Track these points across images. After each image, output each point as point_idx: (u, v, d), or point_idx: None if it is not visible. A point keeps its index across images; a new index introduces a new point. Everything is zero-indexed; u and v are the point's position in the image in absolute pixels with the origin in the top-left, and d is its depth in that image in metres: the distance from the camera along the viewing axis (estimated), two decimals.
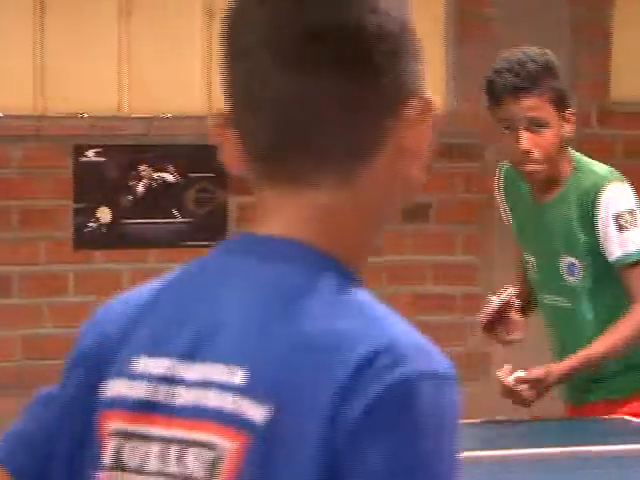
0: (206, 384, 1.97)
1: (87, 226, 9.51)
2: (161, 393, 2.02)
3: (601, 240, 5.49)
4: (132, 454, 2.03)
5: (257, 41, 2.01)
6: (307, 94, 2.00)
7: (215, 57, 9.17)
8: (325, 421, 1.88)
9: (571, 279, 5.60)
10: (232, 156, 2.05)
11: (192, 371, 1.99)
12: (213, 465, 1.95)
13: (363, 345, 1.89)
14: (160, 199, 9.66)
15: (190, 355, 1.99)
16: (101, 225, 9.57)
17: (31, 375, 9.43)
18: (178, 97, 9.68)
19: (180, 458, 1.98)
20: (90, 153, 9.42)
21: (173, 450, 1.99)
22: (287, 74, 1.99)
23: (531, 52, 5.55)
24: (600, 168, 5.70)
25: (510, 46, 5.91)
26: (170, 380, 2.02)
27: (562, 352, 5.63)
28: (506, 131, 5.44)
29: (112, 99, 9.64)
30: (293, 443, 1.91)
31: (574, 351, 5.52)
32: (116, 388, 2.05)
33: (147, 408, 2.02)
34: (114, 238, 9.64)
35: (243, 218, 9.69)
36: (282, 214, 2.04)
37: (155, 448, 2.01)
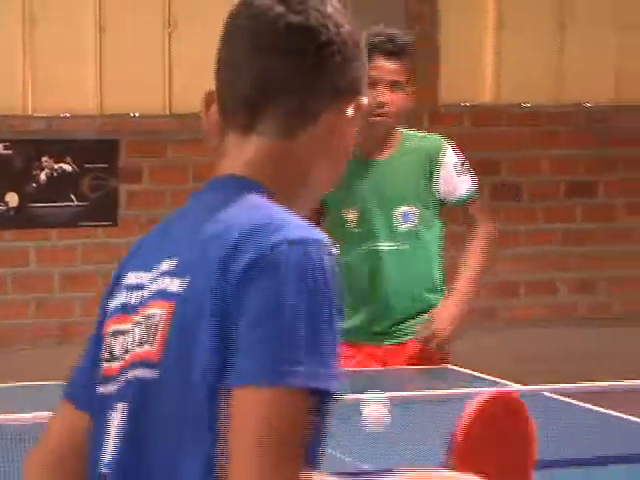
0: (156, 278, 2.29)
1: None
2: (133, 297, 2.33)
3: (442, 187, 5.78)
4: (118, 346, 2.33)
5: (243, 37, 2.35)
6: (271, 71, 2.32)
7: (106, 63, 9.83)
8: (218, 277, 2.16)
9: (404, 225, 5.78)
10: (211, 122, 2.40)
11: (150, 274, 2.31)
12: (154, 330, 2.24)
13: (248, 223, 2.18)
14: (60, 186, 9.68)
15: (152, 266, 2.31)
16: (9, 208, 9.62)
17: None
18: (75, 98, 9.70)
19: (134, 332, 2.29)
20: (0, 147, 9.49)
21: (135, 330, 2.30)
22: (261, 56, 2.33)
23: (399, 31, 5.93)
24: (431, 135, 6.06)
25: None
26: (140, 286, 2.32)
27: (385, 293, 5.71)
28: (370, 85, 5.80)
29: (18, 100, 9.66)
30: (199, 298, 2.19)
31: (403, 287, 5.77)
32: (115, 301, 2.38)
33: (125, 310, 2.34)
34: (21, 220, 9.68)
35: (131, 202, 9.79)
36: (237, 155, 2.35)
37: (127, 336, 2.32)
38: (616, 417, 4.75)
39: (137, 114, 9.85)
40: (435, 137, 5.96)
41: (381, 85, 5.59)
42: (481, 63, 10.60)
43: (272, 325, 2.11)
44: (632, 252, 10.67)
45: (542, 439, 3.73)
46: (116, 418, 2.29)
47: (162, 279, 2.26)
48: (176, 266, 2.24)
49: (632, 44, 10.74)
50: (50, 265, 9.74)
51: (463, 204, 5.87)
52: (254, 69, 2.33)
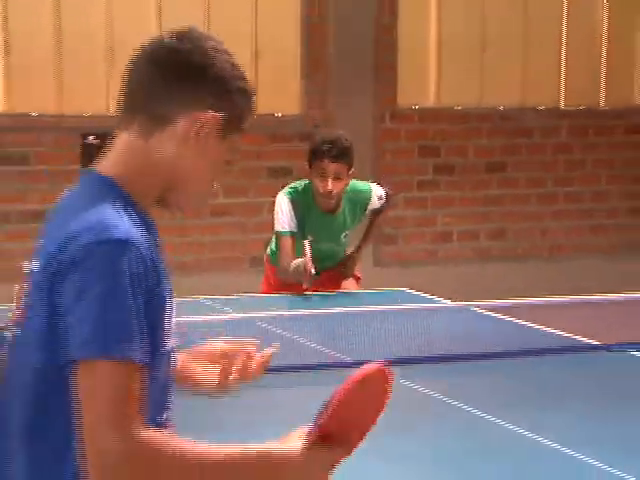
0: (34, 256, 2.11)
1: None
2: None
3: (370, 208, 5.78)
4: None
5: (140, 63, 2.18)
6: (142, 82, 2.15)
7: None
8: (51, 266, 2.01)
9: (344, 240, 5.75)
10: None
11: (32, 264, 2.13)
12: (19, 296, 2.15)
13: (76, 226, 1.99)
14: None
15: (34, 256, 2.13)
16: None
17: None
18: None
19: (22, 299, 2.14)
20: None
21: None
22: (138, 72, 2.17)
23: (343, 134, 5.61)
24: (361, 185, 5.78)
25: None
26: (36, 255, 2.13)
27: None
28: (318, 177, 5.44)
29: (102, 103, 9.22)
30: (41, 278, 2.04)
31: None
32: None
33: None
34: None
35: None
36: (109, 154, 2.12)
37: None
38: (521, 325, 4.62)
39: None
40: (365, 188, 5.79)
41: (328, 178, 5.40)
42: (427, 76, 10.42)
43: (79, 311, 1.94)
44: (530, 211, 10.83)
45: (452, 340, 4.19)
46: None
47: (34, 258, 2.11)
48: (37, 250, 2.10)
49: (535, 60, 10.65)
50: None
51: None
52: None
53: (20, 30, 9.33)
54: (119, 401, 1.90)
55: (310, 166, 5.50)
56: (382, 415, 2.50)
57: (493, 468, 2.97)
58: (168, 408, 2.13)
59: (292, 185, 5.67)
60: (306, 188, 5.59)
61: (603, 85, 11.00)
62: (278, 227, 5.59)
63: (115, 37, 9.53)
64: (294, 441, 2.03)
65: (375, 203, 5.79)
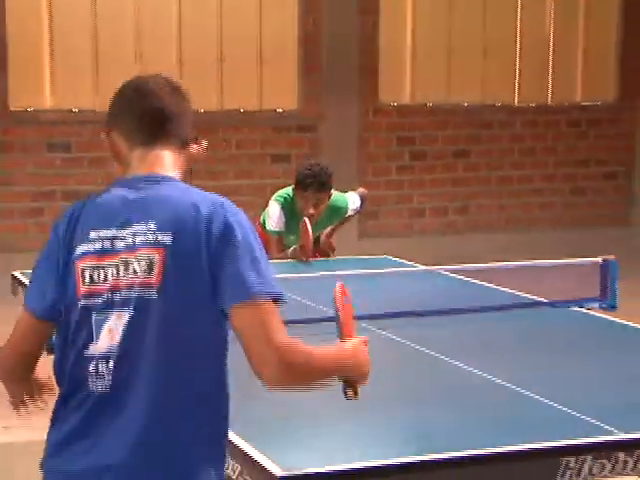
0: (135, 234, 2.12)
1: None
2: (108, 244, 2.14)
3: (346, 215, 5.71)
4: (98, 275, 2.13)
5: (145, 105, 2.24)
6: (176, 111, 2.25)
7: None
8: (204, 239, 2.07)
9: (320, 234, 5.70)
10: (117, 145, 2.25)
11: (127, 230, 2.13)
12: (150, 266, 2.09)
13: (208, 204, 2.11)
14: None
15: (124, 225, 2.14)
16: None
17: None
18: None
19: (127, 268, 2.11)
20: None
21: (121, 267, 2.12)
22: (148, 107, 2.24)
23: (324, 168, 5.49)
24: (340, 201, 5.66)
25: None
26: (114, 237, 2.14)
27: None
28: (302, 201, 5.40)
29: None
30: (189, 248, 2.08)
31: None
32: (80, 248, 2.16)
33: (102, 253, 2.14)
34: None
35: None
36: (150, 162, 2.22)
37: (110, 270, 2.13)
38: (481, 285, 4.58)
39: None
40: (343, 205, 5.69)
41: (310, 203, 5.39)
42: (403, 77, 10.37)
43: (247, 261, 2.06)
44: (489, 190, 10.74)
45: (423, 298, 4.14)
46: (112, 322, 2.09)
47: (146, 234, 2.11)
48: (157, 226, 2.09)
49: (493, 64, 10.62)
50: None
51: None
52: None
53: (62, 39, 9.31)
54: (283, 327, 2.06)
55: (296, 189, 5.47)
56: None
57: (450, 403, 2.96)
58: None
59: (282, 193, 5.61)
60: (293, 197, 5.55)
61: (550, 86, 10.99)
62: (269, 226, 5.56)
63: (143, 43, 9.53)
64: (342, 345, 2.26)
65: (351, 212, 5.74)
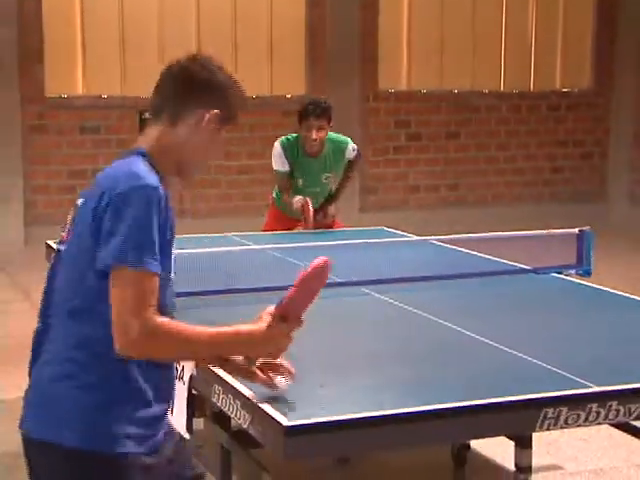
0: (89, 199, 2.13)
1: None
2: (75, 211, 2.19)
3: (345, 160, 5.52)
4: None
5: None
6: (167, 90, 2.22)
7: None
8: (96, 206, 2.06)
9: (324, 180, 5.54)
10: None
11: (90, 192, 2.15)
12: (70, 223, 2.17)
13: (115, 174, 2.09)
14: None
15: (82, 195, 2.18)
16: None
17: None
18: None
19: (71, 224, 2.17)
20: None
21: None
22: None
23: (323, 98, 5.65)
24: (341, 137, 5.57)
25: None
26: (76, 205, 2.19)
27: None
28: (306, 130, 5.35)
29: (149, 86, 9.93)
30: (86, 214, 2.09)
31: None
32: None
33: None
34: None
35: None
36: (144, 137, 2.22)
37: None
38: (470, 254, 4.54)
39: None
40: (344, 139, 5.60)
41: (313, 129, 5.32)
42: (400, 66, 10.35)
43: (115, 231, 2.01)
44: (478, 169, 10.77)
45: (418, 265, 4.08)
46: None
47: (83, 199, 2.15)
48: (88, 191, 2.15)
49: (481, 55, 10.57)
50: None
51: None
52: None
53: (93, 33, 9.33)
54: (142, 296, 2.01)
55: (300, 123, 5.40)
56: (360, 321, 2.50)
57: (441, 360, 2.94)
58: (173, 307, 2.20)
59: (284, 136, 5.56)
60: (295, 138, 5.49)
61: (532, 74, 10.97)
62: (275, 167, 5.52)
63: (165, 36, 9.55)
64: (260, 321, 2.16)
65: (351, 152, 5.60)
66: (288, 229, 5.54)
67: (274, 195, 5.76)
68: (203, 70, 2.22)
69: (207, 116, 2.20)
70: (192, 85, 2.21)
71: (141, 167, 2.08)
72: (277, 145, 5.53)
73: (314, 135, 5.36)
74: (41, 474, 2.13)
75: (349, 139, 5.67)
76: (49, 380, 2.12)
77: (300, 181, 5.52)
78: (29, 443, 2.14)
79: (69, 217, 2.20)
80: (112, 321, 2.00)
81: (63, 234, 2.19)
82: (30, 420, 2.15)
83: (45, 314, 2.19)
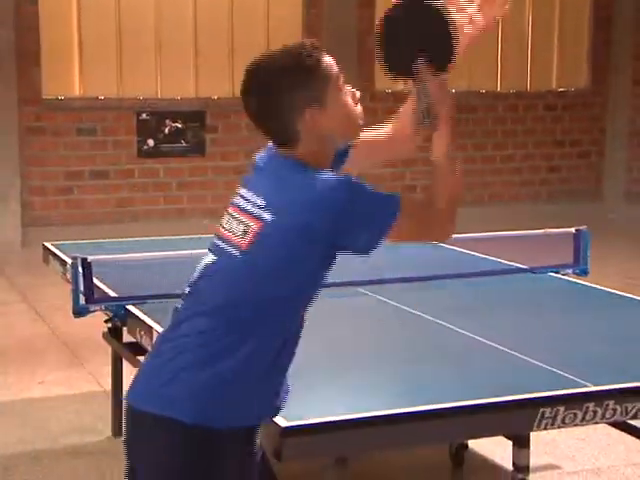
0: (248, 200, 2.09)
1: None
2: (240, 203, 2.12)
3: None
4: (224, 223, 2.15)
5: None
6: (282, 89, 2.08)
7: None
8: (308, 215, 1.98)
9: None
10: None
11: (245, 191, 2.12)
12: (245, 230, 2.05)
13: (312, 185, 2.01)
14: (175, 135, 9.37)
15: (251, 192, 2.10)
16: (149, 147, 9.29)
17: None
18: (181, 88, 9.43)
19: (231, 223, 2.10)
20: None
21: (235, 222, 2.10)
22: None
23: None
24: None
25: None
26: (241, 195, 2.13)
27: None
28: None
29: (153, 88, 9.33)
30: (285, 226, 2.01)
31: None
32: (234, 198, 2.16)
33: (233, 205, 2.14)
34: (155, 153, 9.34)
35: (212, 144, 9.62)
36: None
37: (227, 220, 2.14)
38: (467, 253, 4.53)
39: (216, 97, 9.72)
40: None
41: None
42: None
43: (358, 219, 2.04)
44: (475, 169, 10.72)
45: (415, 265, 4.04)
46: (205, 260, 2.12)
47: (257, 208, 2.05)
48: (266, 203, 2.04)
49: (478, 55, 10.48)
50: (169, 177, 9.63)
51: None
52: None
53: (89, 35, 9.30)
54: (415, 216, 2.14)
55: None
56: (357, 321, 2.50)
57: (438, 359, 2.94)
58: None
59: None
60: None
61: (529, 74, 10.95)
62: None
63: (162, 37, 9.53)
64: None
65: None
66: None
67: None
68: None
69: (309, 115, 2.14)
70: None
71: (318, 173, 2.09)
72: None
73: None
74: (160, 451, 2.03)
75: None
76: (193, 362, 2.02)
77: None
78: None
79: (228, 218, 2.15)
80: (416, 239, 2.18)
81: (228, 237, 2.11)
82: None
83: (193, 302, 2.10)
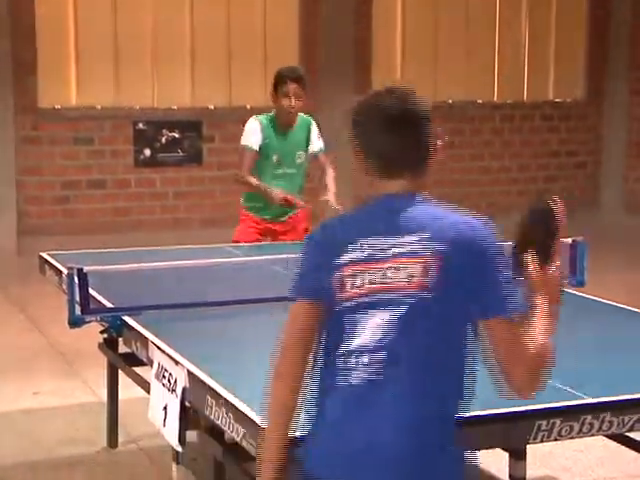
0: (409, 243, 2.02)
1: None
2: (377, 251, 2.02)
3: (312, 142, 5.40)
4: (359, 280, 2.02)
5: (380, 122, 2.09)
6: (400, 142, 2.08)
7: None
8: (469, 252, 1.99)
9: (299, 160, 5.38)
10: (363, 169, 2.11)
11: (399, 239, 2.02)
12: (426, 269, 1.98)
13: (467, 222, 2.04)
14: (172, 144, 9.37)
15: (394, 233, 2.03)
16: (146, 156, 9.31)
17: None
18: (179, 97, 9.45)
19: (396, 271, 2.00)
20: None
21: (391, 270, 2.00)
22: (390, 134, 2.07)
23: (299, 66, 5.59)
24: (307, 116, 5.45)
25: None
26: (382, 245, 2.03)
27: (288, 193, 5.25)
28: (282, 97, 5.21)
29: (149, 98, 9.36)
30: (460, 261, 1.99)
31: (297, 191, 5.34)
32: (348, 256, 2.03)
33: (367, 260, 2.02)
34: (151, 162, 9.34)
35: (209, 154, 9.72)
36: (395, 186, 2.10)
37: (378, 273, 2.01)
38: None
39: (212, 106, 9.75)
40: (307, 117, 5.46)
41: (291, 96, 5.21)
42: (394, 75, 10.29)
43: (497, 279, 1.99)
44: (472, 179, 10.75)
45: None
46: (381, 319, 1.99)
47: (422, 243, 2.01)
48: (430, 237, 2.01)
49: (475, 65, 10.60)
50: (166, 187, 9.64)
51: (317, 154, 5.49)
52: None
53: (86, 44, 9.31)
54: None
55: (276, 91, 5.27)
56: None
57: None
58: None
59: (260, 115, 5.44)
60: (270, 116, 5.38)
61: (525, 84, 10.99)
62: (245, 142, 5.31)
63: (159, 47, 9.54)
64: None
65: (315, 132, 5.49)
66: (261, 235, 5.43)
67: (243, 201, 5.56)
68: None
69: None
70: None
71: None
72: (252, 120, 5.36)
73: (292, 102, 5.25)
74: None
75: (310, 116, 5.57)
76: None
77: (275, 158, 5.34)
78: None
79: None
80: (510, 367, 2.00)
81: (360, 290, 2.03)
82: None
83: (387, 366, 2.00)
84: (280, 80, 5.28)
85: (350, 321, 2.02)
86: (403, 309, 1.98)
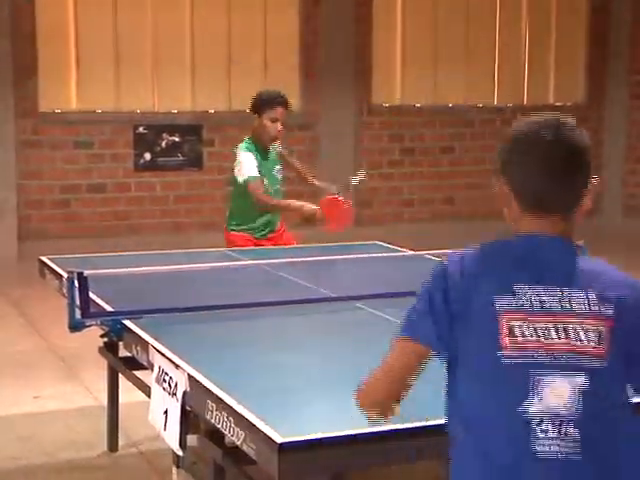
0: (577, 299, 1.85)
1: None
2: (550, 302, 1.83)
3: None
4: (519, 330, 1.83)
5: (540, 162, 1.88)
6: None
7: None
8: (623, 313, 1.83)
9: (279, 175, 5.46)
10: (507, 201, 1.95)
11: (561, 291, 1.85)
12: (600, 336, 1.82)
13: (631, 282, 1.90)
14: (172, 149, 9.38)
15: (553, 283, 1.85)
16: (146, 160, 9.34)
17: None
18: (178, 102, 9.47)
19: (577, 333, 1.82)
20: None
21: (571, 329, 1.83)
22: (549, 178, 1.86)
23: (279, 90, 5.44)
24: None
25: None
26: (543, 297, 1.84)
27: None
28: (271, 122, 5.23)
29: (150, 103, 9.36)
30: (629, 324, 1.84)
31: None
32: (505, 300, 1.84)
33: (525, 310, 1.83)
34: (152, 166, 9.37)
35: (210, 158, 9.66)
36: (542, 226, 1.90)
37: (552, 327, 1.82)
38: None
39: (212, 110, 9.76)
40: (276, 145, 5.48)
41: (279, 122, 5.28)
42: (394, 81, 10.34)
43: None
44: (472, 183, 10.72)
45: (412, 280, 4.17)
46: (555, 381, 1.81)
47: (589, 303, 1.85)
48: (598, 296, 1.85)
49: (475, 69, 10.59)
50: (166, 191, 9.64)
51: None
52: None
53: (87, 48, 9.32)
54: None
55: (259, 113, 5.27)
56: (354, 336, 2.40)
57: (431, 376, 2.91)
58: None
59: (242, 145, 5.41)
60: (251, 141, 5.38)
61: (525, 88, 11.00)
62: (249, 173, 5.29)
63: (159, 51, 9.55)
64: None
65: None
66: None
67: (228, 223, 5.54)
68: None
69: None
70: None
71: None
72: (243, 152, 5.34)
73: (279, 127, 5.29)
74: None
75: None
76: None
77: (265, 181, 5.38)
78: None
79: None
80: None
81: (517, 341, 1.84)
82: None
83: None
84: (267, 105, 5.29)
85: (518, 378, 1.83)
86: (583, 375, 1.83)
